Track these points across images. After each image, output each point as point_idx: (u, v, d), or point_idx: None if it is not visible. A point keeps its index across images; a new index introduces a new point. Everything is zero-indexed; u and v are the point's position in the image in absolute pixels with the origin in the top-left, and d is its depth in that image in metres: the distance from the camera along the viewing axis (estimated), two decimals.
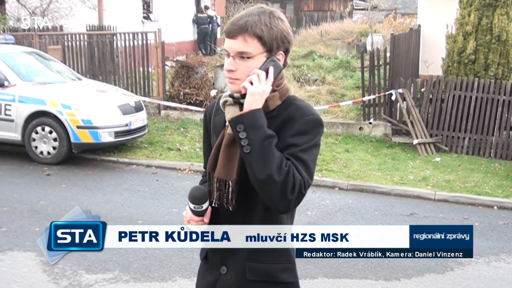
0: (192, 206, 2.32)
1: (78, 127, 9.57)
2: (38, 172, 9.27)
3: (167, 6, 21.62)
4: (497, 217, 8.14)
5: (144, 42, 13.35)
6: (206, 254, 2.48)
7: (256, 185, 2.17)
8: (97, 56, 13.85)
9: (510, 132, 11.46)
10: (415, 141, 11.42)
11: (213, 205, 2.36)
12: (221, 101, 2.33)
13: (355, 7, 30.17)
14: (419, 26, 16.10)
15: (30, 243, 6.30)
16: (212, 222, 2.39)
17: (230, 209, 2.30)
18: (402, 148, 11.58)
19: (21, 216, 7.20)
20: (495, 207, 8.63)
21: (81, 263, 5.88)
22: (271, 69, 2.25)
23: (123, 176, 9.35)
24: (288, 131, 2.23)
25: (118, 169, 9.76)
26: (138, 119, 10.40)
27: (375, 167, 10.18)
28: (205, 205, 2.32)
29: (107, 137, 9.76)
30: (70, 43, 13.90)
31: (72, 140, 9.60)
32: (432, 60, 14.15)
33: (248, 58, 2.26)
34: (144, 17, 20.92)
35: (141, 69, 13.50)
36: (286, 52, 2.34)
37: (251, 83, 2.21)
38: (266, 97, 2.24)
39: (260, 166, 2.13)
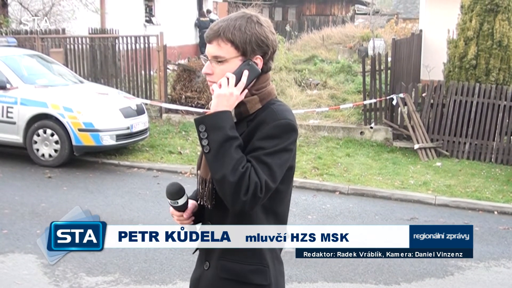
0: (168, 201, 2.44)
1: (80, 130, 9.58)
2: (39, 174, 9.29)
3: (169, 10, 21.67)
4: (498, 222, 8.15)
5: (146, 45, 13.38)
6: (197, 248, 2.56)
7: (214, 184, 2.26)
8: (99, 59, 13.88)
9: (511, 137, 11.46)
10: (416, 146, 11.43)
11: (198, 202, 2.46)
12: (210, 103, 2.41)
13: (357, 12, 30.22)
14: (421, 31, 16.12)
15: (31, 245, 6.31)
16: (200, 219, 2.50)
17: (209, 207, 2.39)
18: (403, 153, 11.58)
19: (22, 218, 7.21)
20: (496, 212, 8.64)
21: (81, 265, 5.90)
22: (245, 73, 2.30)
23: (124, 179, 9.37)
24: (258, 134, 2.27)
25: (119, 172, 9.77)
26: (140, 122, 10.42)
27: (376, 172, 10.19)
28: (180, 201, 2.42)
29: (108, 140, 9.78)
30: (72, 46, 13.93)
31: (74, 143, 9.62)
32: (434, 65, 14.16)
33: (222, 61, 2.33)
34: (146, 21, 20.96)
35: (143, 72, 13.52)
36: (265, 56, 2.37)
37: (220, 86, 2.28)
38: (237, 100, 2.30)
39: (217, 166, 2.20)
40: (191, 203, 2.48)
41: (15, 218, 7.19)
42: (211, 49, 2.34)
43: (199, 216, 2.51)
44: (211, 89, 2.33)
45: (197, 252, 2.58)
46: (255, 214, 2.34)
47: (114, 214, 7.54)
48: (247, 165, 2.20)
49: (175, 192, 2.41)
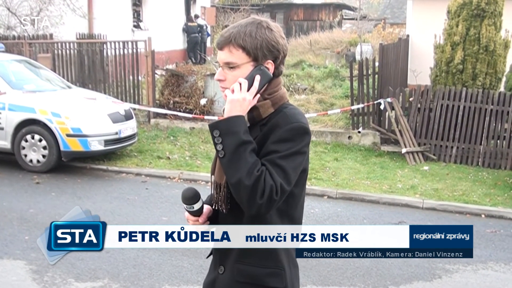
0: (184, 205, 2.43)
1: (68, 135, 9.56)
2: (27, 180, 9.25)
3: (157, 15, 21.64)
4: (485, 226, 8.21)
5: (134, 50, 13.37)
6: (211, 253, 2.59)
7: (230, 188, 2.27)
8: (87, 65, 13.86)
9: (498, 141, 11.55)
10: (404, 150, 11.50)
11: (213, 207, 2.48)
12: (222, 109, 2.43)
13: (344, 17, 30.32)
14: (408, 36, 16.24)
15: (19, 251, 6.29)
16: (214, 224, 2.50)
17: (224, 212, 2.40)
18: (391, 157, 11.65)
19: (11, 224, 7.18)
20: (483, 216, 8.70)
21: (70, 271, 5.88)
22: (257, 78, 2.33)
23: (113, 184, 9.35)
24: (272, 137, 2.30)
25: (108, 178, 9.75)
26: (128, 128, 10.41)
27: (364, 176, 10.24)
28: (196, 206, 2.42)
29: (96, 146, 9.76)
30: (60, 51, 13.90)
31: (62, 148, 9.59)
32: (421, 69, 14.27)
33: (234, 67, 2.36)
34: (134, 26, 20.91)
35: (131, 77, 13.51)
36: (276, 60, 2.40)
37: (233, 92, 2.30)
38: (250, 105, 2.32)
39: (232, 170, 2.22)
40: (206, 208, 2.49)
41: (3, 224, 7.15)
42: (222, 55, 2.37)
43: (213, 221, 2.52)
44: (224, 95, 2.35)
45: (206, 258, 2.62)
46: (271, 218, 2.35)
47: (103, 219, 7.51)
48: (262, 169, 2.22)
49: (191, 197, 2.40)
